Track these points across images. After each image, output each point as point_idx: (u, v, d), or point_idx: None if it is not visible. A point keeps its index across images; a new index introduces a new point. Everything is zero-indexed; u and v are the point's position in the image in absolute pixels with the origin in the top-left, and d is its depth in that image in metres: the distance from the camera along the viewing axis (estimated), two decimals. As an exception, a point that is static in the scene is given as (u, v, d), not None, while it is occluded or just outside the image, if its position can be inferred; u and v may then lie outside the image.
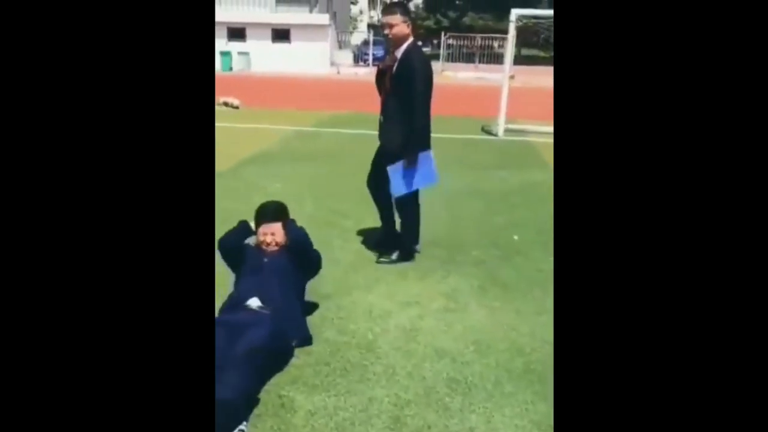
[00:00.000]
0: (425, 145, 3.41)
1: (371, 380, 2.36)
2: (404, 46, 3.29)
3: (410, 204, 3.61)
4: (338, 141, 8.35)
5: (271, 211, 2.85)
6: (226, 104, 12.26)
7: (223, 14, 24.19)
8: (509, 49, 9.31)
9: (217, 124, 8.97)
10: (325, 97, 14.70)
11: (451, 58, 25.25)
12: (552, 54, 23.94)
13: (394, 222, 3.79)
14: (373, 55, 26.21)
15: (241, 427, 1.94)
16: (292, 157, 6.98)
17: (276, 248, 2.77)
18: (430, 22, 61.78)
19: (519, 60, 25.76)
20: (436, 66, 25.23)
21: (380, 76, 3.48)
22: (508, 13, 8.89)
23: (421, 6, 64.41)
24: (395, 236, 3.76)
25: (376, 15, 61.80)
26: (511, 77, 23.45)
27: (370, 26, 51.55)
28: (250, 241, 2.87)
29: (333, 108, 12.08)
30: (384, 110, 3.46)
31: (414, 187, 3.47)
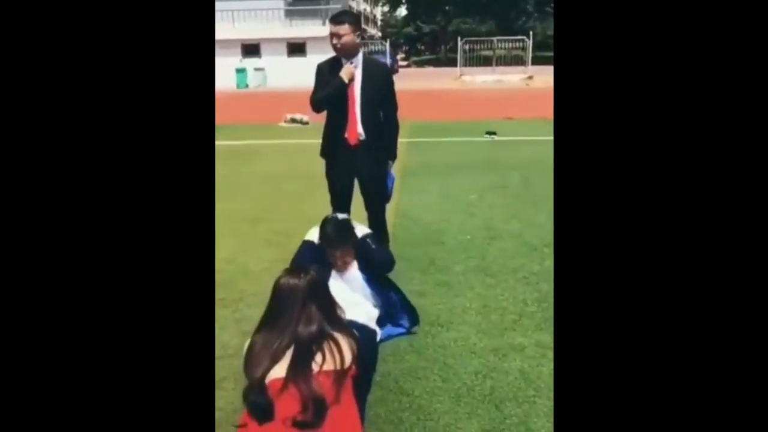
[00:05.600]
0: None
1: None
2: (360, 56, 3.22)
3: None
4: (461, 151, 8.30)
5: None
6: (294, 120, 12.12)
7: (237, 32, 24.01)
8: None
9: (305, 142, 8.90)
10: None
11: (468, 62, 25.43)
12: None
13: None
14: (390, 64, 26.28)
15: None
16: (447, 167, 6.92)
17: None
18: (409, 29, 62.37)
19: (535, 61, 26.20)
20: (454, 71, 25.72)
21: (338, 93, 3.16)
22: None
23: (400, 14, 64.94)
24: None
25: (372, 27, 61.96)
26: (529, 78, 23.63)
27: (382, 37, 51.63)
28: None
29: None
30: (361, 123, 3.26)
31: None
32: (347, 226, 2.80)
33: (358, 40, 3.15)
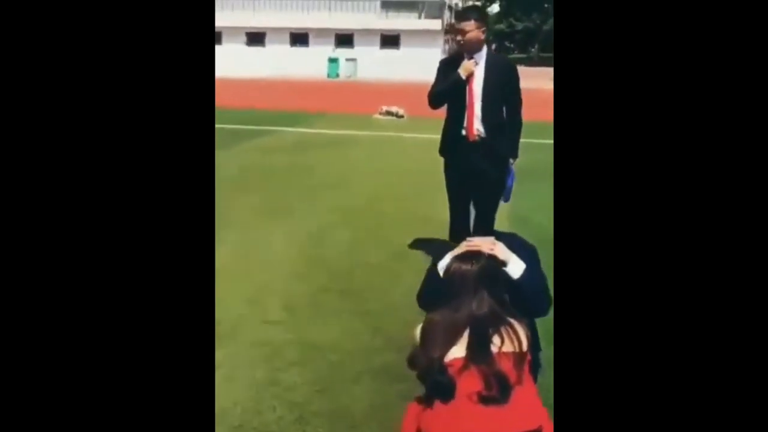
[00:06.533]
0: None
1: None
2: (483, 52, 3.14)
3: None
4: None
5: None
6: (389, 113, 12.12)
7: (332, 21, 24.42)
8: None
9: (403, 135, 8.89)
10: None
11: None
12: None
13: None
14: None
15: None
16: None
17: None
18: (501, 26, 61.14)
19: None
20: (548, 71, 24.96)
21: (454, 88, 3.13)
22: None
23: (493, 10, 63.75)
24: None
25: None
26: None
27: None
28: None
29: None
30: (481, 120, 3.19)
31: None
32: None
33: (483, 36, 3.10)
